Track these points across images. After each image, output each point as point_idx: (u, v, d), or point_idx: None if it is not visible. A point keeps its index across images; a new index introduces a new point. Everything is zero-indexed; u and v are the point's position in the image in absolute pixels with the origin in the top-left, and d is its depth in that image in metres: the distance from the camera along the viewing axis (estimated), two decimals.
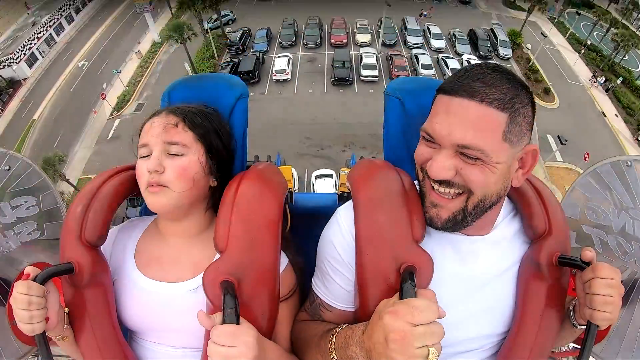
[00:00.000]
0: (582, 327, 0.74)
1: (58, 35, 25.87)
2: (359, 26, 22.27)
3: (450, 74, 0.72)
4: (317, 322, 0.83)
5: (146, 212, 1.03)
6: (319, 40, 21.46)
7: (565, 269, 0.78)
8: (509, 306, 0.78)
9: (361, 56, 19.76)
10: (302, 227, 1.00)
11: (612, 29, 23.12)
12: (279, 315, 0.78)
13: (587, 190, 0.99)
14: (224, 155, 0.89)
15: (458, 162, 0.66)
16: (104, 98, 18.24)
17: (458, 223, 0.71)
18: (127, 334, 0.87)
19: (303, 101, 17.67)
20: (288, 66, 19.17)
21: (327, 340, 0.73)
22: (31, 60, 22.35)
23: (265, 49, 20.95)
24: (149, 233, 0.90)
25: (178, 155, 0.80)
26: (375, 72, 18.83)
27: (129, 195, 0.89)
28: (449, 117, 0.65)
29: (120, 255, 0.86)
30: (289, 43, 21.45)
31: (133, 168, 0.91)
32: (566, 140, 15.56)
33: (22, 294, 0.65)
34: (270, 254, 0.74)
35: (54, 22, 26.05)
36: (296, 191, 1.20)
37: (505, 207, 0.82)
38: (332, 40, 21.41)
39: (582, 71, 21.87)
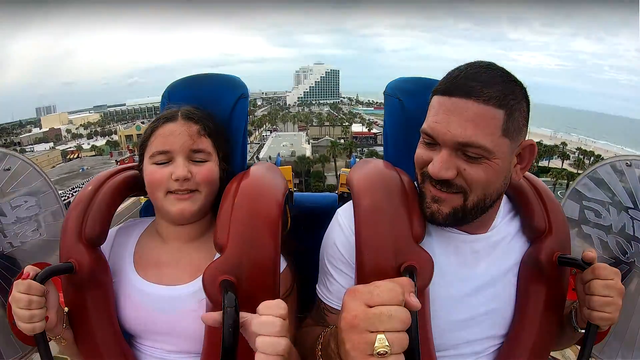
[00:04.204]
0: (584, 330, 0.74)
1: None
2: None
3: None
4: (318, 327, 0.83)
5: (146, 213, 1.03)
6: None
7: (565, 268, 0.78)
8: (510, 307, 0.78)
9: None
10: (302, 227, 1.00)
11: (570, 182, 26.33)
12: None
13: (587, 190, 0.99)
14: (228, 159, 0.90)
15: (460, 162, 0.66)
16: None
17: (458, 219, 0.71)
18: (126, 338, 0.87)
19: None
20: None
21: (317, 341, 0.73)
22: None
23: None
24: (147, 235, 0.89)
25: (202, 162, 0.82)
26: None
27: (129, 195, 0.89)
28: (448, 115, 0.65)
29: (118, 257, 0.86)
30: None
31: (132, 168, 0.91)
32: None
33: (22, 293, 0.65)
34: (270, 253, 0.74)
35: (64, 199, 26.35)
36: (296, 191, 1.20)
37: (505, 206, 0.82)
38: None
39: None
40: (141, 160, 0.85)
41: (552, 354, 0.87)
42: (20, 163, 0.96)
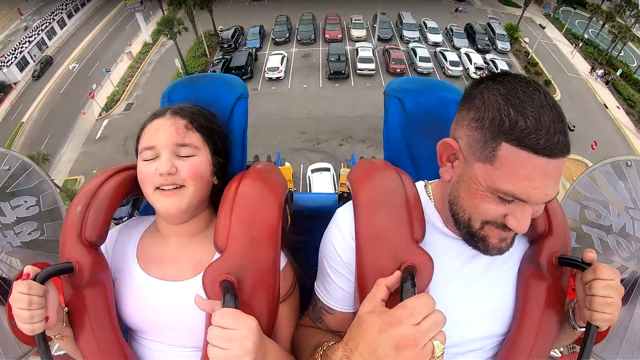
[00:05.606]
0: (582, 329, 0.74)
1: (50, 39, 25.84)
2: (354, 22, 21.93)
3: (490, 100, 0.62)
4: (314, 330, 0.83)
5: (146, 212, 1.03)
6: (313, 36, 20.93)
7: (565, 269, 0.78)
8: (510, 306, 0.78)
9: (357, 50, 19.18)
10: (302, 227, 1.00)
11: (607, 23, 23.73)
12: (278, 317, 0.78)
13: (587, 190, 0.99)
14: (225, 155, 0.90)
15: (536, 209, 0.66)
16: (93, 98, 17.81)
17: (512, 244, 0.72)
18: (127, 333, 0.87)
19: (297, 96, 17.03)
20: (281, 64, 18.39)
21: (315, 354, 0.72)
22: (22, 64, 22.19)
23: (258, 45, 20.38)
24: (149, 232, 0.90)
25: (189, 156, 0.81)
26: (372, 65, 18.24)
27: (129, 195, 0.89)
28: (546, 179, 0.61)
29: (121, 255, 0.86)
30: (283, 39, 20.95)
31: (132, 168, 0.91)
32: (574, 126, 14.72)
33: (22, 294, 0.65)
34: (270, 253, 0.74)
35: (46, 26, 26.02)
36: (295, 191, 1.21)
37: None
38: (326, 36, 20.98)
39: (581, 64, 21.87)
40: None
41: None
42: (20, 163, 0.96)
